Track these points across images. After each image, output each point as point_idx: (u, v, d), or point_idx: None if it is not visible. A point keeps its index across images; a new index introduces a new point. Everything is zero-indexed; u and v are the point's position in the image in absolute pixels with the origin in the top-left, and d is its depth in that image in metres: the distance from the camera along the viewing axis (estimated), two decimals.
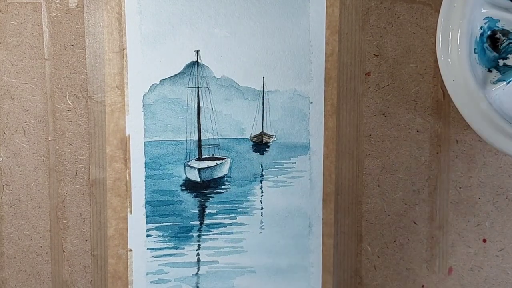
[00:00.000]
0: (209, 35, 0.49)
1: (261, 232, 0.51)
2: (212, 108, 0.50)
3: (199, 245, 0.51)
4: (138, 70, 0.49)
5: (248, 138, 0.51)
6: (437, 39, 0.45)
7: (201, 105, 0.50)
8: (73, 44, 0.49)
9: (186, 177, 0.50)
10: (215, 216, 0.51)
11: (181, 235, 0.51)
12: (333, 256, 0.51)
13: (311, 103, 0.50)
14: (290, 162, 0.51)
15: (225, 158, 0.51)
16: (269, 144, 0.51)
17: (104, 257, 0.50)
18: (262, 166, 0.51)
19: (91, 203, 0.50)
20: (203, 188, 0.51)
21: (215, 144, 0.50)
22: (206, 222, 0.51)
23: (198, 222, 0.51)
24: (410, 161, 0.51)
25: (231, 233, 0.51)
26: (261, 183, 0.51)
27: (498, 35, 0.45)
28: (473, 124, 0.44)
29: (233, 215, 0.51)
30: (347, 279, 0.51)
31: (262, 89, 0.50)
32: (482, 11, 0.45)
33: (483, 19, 0.45)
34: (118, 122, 0.49)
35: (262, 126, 0.50)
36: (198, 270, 0.51)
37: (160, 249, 0.51)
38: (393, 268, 0.51)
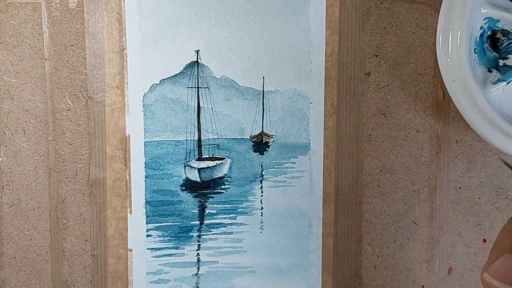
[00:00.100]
0: (209, 35, 0.49)
1: (261, 232, 0.51)
2: (212, 108, 0.50)
3: (199, 245, 0.51)
4: (138, 70, 0.49)
5: (248, 138, 0.51)
6: (437, 39, 0.45)
7: (201, 105, 0.50)
8: (73, 44, 0.49)
9: (186, 177, 0.50)
10: (215, 216, 0.51)
11: (181, 235, 0.51)
12: (333, 256, 0.51)
13: (311, 103, 0.50)
14: (290, 162, 0.51)
15: (225, 158, 0.51)
16: (269, 144, 0.51)
17: (104, 257, 0.50)
18: (262, 166, 0.51)
19: (91, 203, 0.50)
20: (203, 188, 0.51)
21: (215, 144, 0.50)
22: (206, 222, 0.51)
23: (198, 222, 0.51)
24: (410, 161, 0.51)
25: (231, 233, 0.51)
26: (261, 183, 0.51)
27: (498, 35, 0.45)
28: (473, 124, 0.44)
29: (233, 215, 0.51)
30: (347, 279, 0.51)
31: (262, 89, 0.50)
32: (482, 11, 0.45)
33: (483, 19, 0.45)
34: (118, 122, 0.49)
35: (262, 126, 0.50)
36: (198, 270, 0.51)
37: (160, 249, 0.51)
38: (393, 268, 0.52)
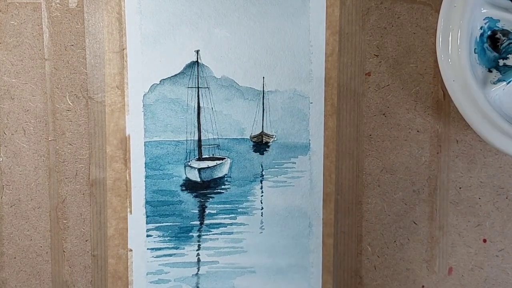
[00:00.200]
0: (209, 35, 0.49)
1: (261, 232, 0.51)
2: (212, 108, 0.50)
3: (199, 245, 0.51)
4: (138, 70, 0.49)
5: (248, 138, 0.51)
6: (437, 39, 0.45)
7: (201, 105, 0.50)
8: (73, 44, 0.49)
9: (186, 177, 0.50)
10: (215, 216, 0.51)
11: (181, 235, 0.51)
12: (333, 256, 0.51)
13: (311, 103, 0.50)
14: (290, 162, 0.51)
15: (225, 158, 0.51)
16: (269, 144, 0.51)
17: (104, 257, 0.50)
18: (262, 166, 0.51)
19: (91, 203, 0.50)
20: (203, 188, 0.51)
21: (215, 144, 0.50)
22: (206, 222, 0.51)
23: (198, 222, 0.51)
24: (410, 161, 0.51)
25: (231, 233, 0.51)
26: (261, 183, 0.51)
27: (498, 35, 0.45)
28: (473, 124, 0.44)
29: (233, 215, 0.51)
30: (347, 279, 0.51)
31: (262, 89, 0.50)
32: (482, 11, 0.45)
33: (483, 19, 0.45)
34: (118, 122, 0.49)
35: (262, 126, 0.50)
36: (198, 270, 0.51)
37: (160, 249, 0.51)
38: (393, 268, 0.51)
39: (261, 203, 0.51)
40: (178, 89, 0.50)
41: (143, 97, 0.49)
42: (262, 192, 0.51)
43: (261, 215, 0.51)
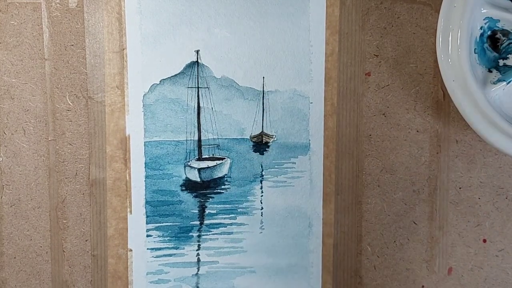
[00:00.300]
0: (209, 35, 0.49)
1: (261, 232, 0.51)
2: (212, 108, 0.50)
3: (199, 245, 0.51)
4: (138, 70, 0.49)
5: (248, 138, 0.51)
6: (437, 39, 0.45)
7: (201, 105, 0.50)
8: (73, 44, 0.49)
9: (186, 177, 0.50)
10: (215, 216, 0.51)
11: (181, 235, 0.51)
12: (333, 256, 0.51)
13: (311, 103, 0.50)
14: (290, 162, 0.51)
15: (225, 158, 0.51)
16: (269, 144, 0.51)
17: (104, 257, 0.50)
18: (262, 166, 0.51)
19: (91, 203, 0.50)
20: (203, 188, 0.51)
21: (215, 144, 0.50)
22: (206, 222, 0.51)
23: (198, 222, 0.51)
24: (410, 161, 0.51)
25: (231, 233, 0.51)
26: (261, 183, 0.51)
27: (498, 35, 0.45)
28: (473, 124, 0.44)
29: (233, 215, 0.51)
30: (347, 279, 0.51)
31: (262, 89, 0.50)
32: (482, 11, 0.45)
33: (483, 19, 0.45)
34: (118, 122, 0.49)
35: (262, 126, 0.50)
36: (198, 270, 0.51)
37: (160, 249, 0.51)
38: (393, 268, 0.52)
39: (261, 203, 0.51)
40: (178, 89, 0.50)
41: (143, 97, 0.49)
42: (262, 192, 0.51)
43: (261, 215, 0.51)
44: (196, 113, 0.50)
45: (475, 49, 0.45)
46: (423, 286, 0.52)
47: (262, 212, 0.51)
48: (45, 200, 0.50)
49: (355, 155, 0.51)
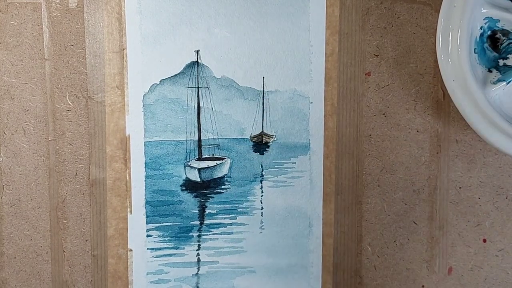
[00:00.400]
0: (209, 35, 0.49)
1: (261, 232, 0.51)
2: (212, 108, 0.50)
3: (199, 245, 0.51)
4: (138, 70, 0.49)
5: (248, 138, 0.51)
6: (437, 39, 0.45)
7: (201, 105, 0.50)
8: (73, 44, 0.49)
9: (186, 177, 0.50)
10: (215, 216, 0.51)
11: (181, 235, 0.51)
12: (333, 256, 0.51)
13: (311, 103, 0.50)
14: (290, 162, 0.51)
15: (225, 158, 0.51)
16: (269, 144, 0.51)
17: (104, 257, 0.50)
18: (262, 166, 0.51)
19: (91, 203, 0.50)
20: (203, 188, 0.51)
21: (215, 144, 0.50)
22: (206, 222, 0.51)
23: (198, 222, 0.51)
24: (410, 161, 0.51)
25: (231, 233, 0.51)
26: (261, 183, 0.51)
27: (498, 35, 0.45)
28: (473, 124, 0.44)
29: (233, 215, 0.51)
30: (347, 279, 0.51)
31: (262, 89, 0.50)
32: (482, 11, 0.45)
33: (483, 19, 0.45)
34: (118, 122, 0.49)
35: (262, 126, 0.50)
36: (198, 270, 0.51)
37: (160, 249, 0.51)
38: (393, 268, 0.52)
39: (261, 203, 0.51)
40: (178, 89, 0.50)
41: (143, 97, 0.49)
42: (262, 192, 0.51)
43: (261, 215, 0.51)
44: (196, 113, 0.50)
45: (475, 49, 0.45)
46: (423, 286, 0.52)
47: (262, 212, 0.51)
48: (45, 200, 0.50)
49: (355, 155, 0.51)
